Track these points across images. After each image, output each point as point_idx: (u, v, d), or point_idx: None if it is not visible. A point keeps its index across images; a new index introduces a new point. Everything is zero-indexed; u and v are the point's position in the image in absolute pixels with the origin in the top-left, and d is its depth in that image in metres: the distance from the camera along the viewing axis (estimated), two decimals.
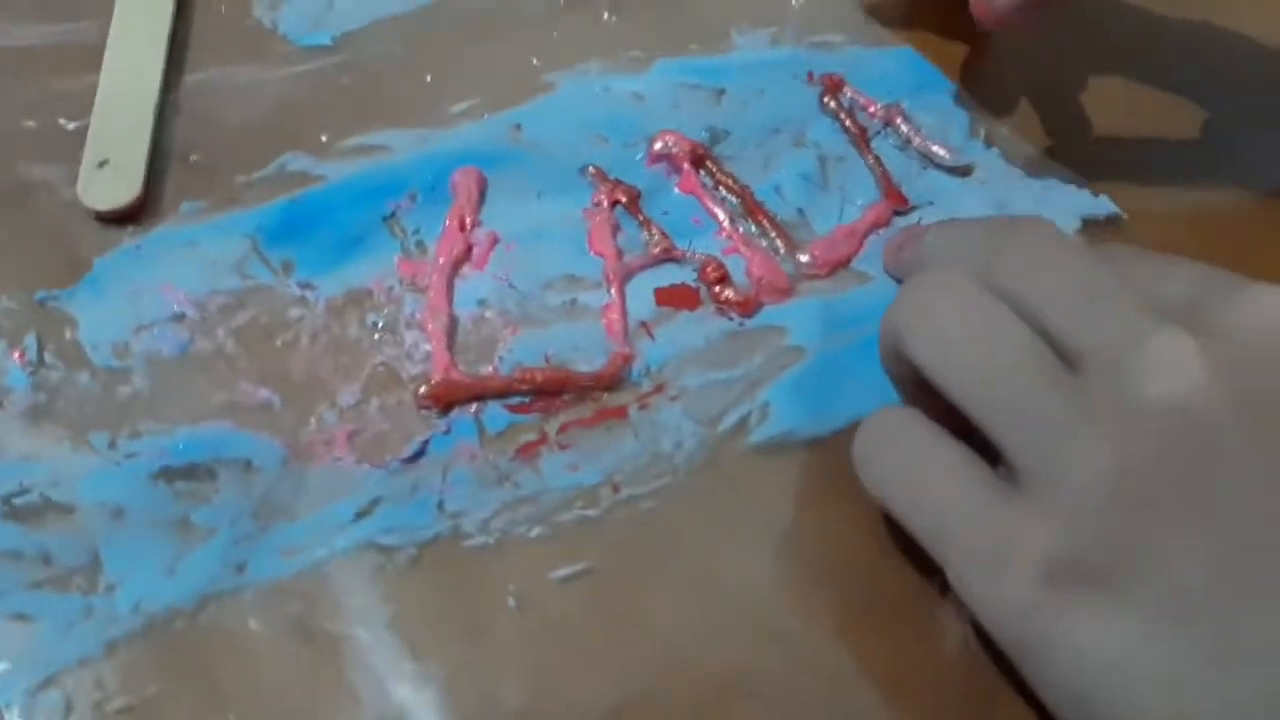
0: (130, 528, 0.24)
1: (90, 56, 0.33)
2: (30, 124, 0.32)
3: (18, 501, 0.24)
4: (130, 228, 0.30)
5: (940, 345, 0.23)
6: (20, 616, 0.23)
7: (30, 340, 0.27)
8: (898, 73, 0.38)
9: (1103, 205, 0.34)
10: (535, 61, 0.36)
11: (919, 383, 0.24)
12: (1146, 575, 0.20)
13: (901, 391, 0.27)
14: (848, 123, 0.36)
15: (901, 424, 0.25)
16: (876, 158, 0.35)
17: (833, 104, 0.36)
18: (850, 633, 0.25)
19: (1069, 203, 0.34)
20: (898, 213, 0.34)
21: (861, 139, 0.36)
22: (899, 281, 0.31)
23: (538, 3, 0.37)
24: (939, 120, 0.36)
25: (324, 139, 0.33)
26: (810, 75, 0.37)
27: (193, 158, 0.32)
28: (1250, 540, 0.20)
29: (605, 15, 0.38)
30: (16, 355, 0.27)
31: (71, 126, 0.31)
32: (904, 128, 0.36)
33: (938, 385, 0.23)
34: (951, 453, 0.24)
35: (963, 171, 0.35)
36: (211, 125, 0.32)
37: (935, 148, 0.35)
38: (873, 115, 0.36)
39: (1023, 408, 0.22)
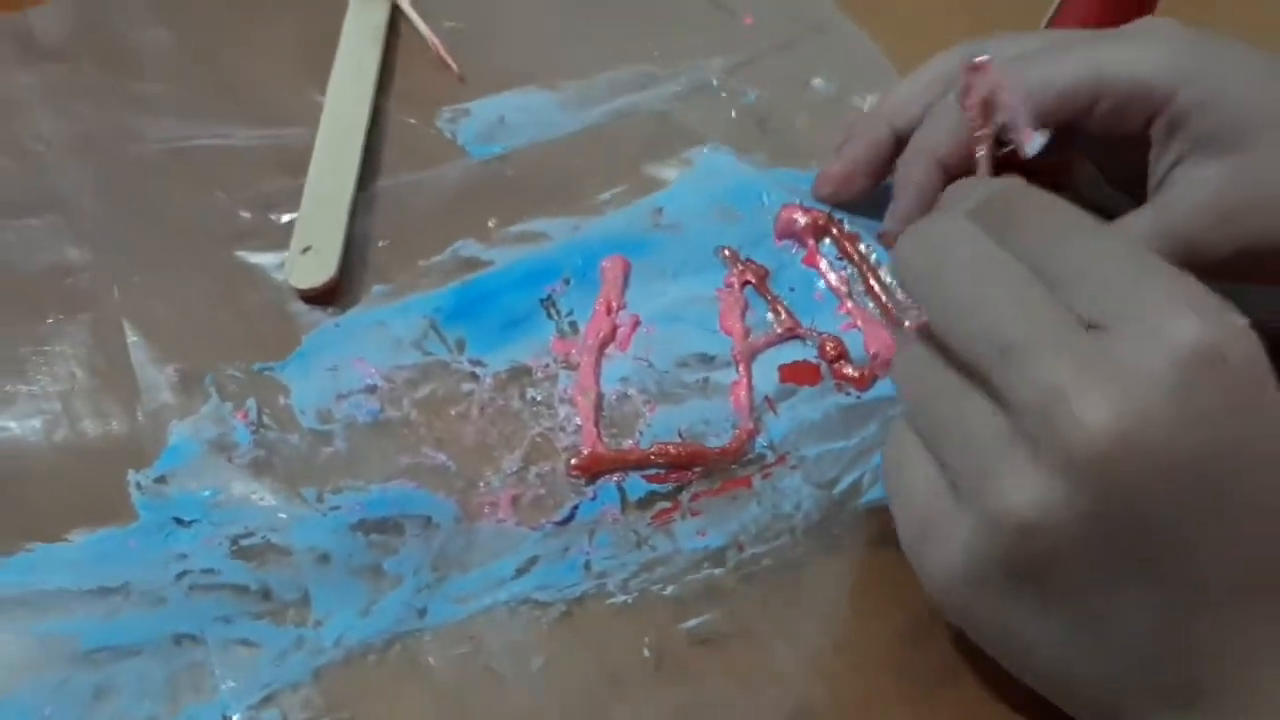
0: (334, 571, 0.29)
1: (296, 158, 0.38)
2: (246, 216, 0.37)
3: (245, 542, 0.29)
4: (330, 308, 0.35)
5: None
6: (245, 642, 0.28)
7: (251, 404, 0.32)
8: None
9: None
10: (675, 143, 0.40)
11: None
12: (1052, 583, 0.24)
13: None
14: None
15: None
16: None
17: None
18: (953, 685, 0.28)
19: None
20: None
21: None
22: None
23: (679, 102, 0.42)
24: None
25: (490, 225, 0.37)
26: None
27: (381, 244, 0.37)
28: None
29: (731, 113, 0.42)
30: (240, 415, 0.32)
31: (282, 220, 0.37)
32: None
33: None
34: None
35: None
36: (397, 216, 0.37)
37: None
38: None
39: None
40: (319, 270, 0.35)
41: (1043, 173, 0.39)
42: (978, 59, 0.31)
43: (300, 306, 0.35)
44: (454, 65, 0.42)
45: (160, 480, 0.30)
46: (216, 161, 0.38)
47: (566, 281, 0.36)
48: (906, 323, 0.35)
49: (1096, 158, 0.36)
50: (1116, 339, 0.23)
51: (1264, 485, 0.23)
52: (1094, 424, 0.22)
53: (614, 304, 0.36)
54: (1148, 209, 0.32)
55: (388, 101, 0.41)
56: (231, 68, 0.41)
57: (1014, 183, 0.28)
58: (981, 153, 0.32)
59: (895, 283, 0.28)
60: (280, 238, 0.36)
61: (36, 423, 0.32)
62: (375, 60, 0.42)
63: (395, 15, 0.44)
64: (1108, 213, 0.35)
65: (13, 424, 0.31)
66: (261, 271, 0.36)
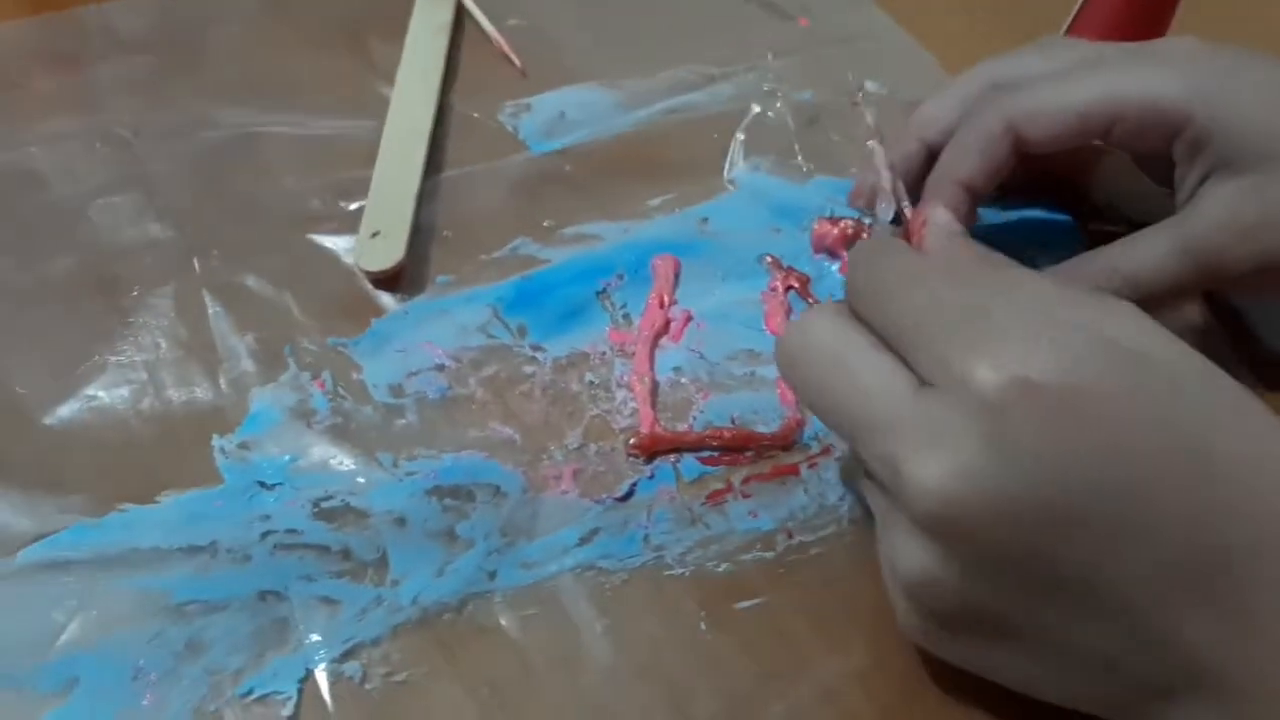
0: (410, 534, 0.30)
1: (364, 148, 0.40)
2: (316, 201, 0.39)
3: (325, 505, 0.31)
4: (398, 295, 0.36)
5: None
6: (326, 599, 0.29)
7: (327, 374, 0.34)
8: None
9: None
10: (722, 162, 0.42)
11: None
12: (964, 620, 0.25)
13: None
14: None
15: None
16: None
17: None
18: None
19: None
20: None
21: None
22: None
23: (734, 103, 0.44)
24: None
25: (547, 225, 0.39)
26: None
27: (445, 234, 0.38)
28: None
29: (786, 116, 0.44)
30: (318, 384, 0.33)
31: (351, 207, 0.38)
32: None
33: None
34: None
35: None
36: (460, 208, 0.39)
37: None
38: None
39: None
40: (387, 254, 0.37)
41: (1060, 173, 0.41)
42: (867, 85, 0.33)
43: (368, 289, 0.36)
44: (517, 60, 0.44)
45: (243, 445, 0.32)
46: (288, 149, 0.40)
47: (620, 277, 0.38)
48: None
49: (1139, 159, 0.38)
50: (937, 396, 0.24)
51: (1146, 484, 0.23)
52: (926, 487, 0.23)
53: (666, 299, 0.37)
54: (1169, 224, 0.34)
55: (451, 95, 0.43)
56: (302, 60, 0.43)
57: (862, 247, 0.29)
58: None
59: None
60: (349, 223, 0.38)
61: (124, 391, 0.33)
62: (441, 55, 0.44)
63: (460, 12, 0.46)
64: (1146, 211, 0.37)
65: (102, 392, 0.33)
66: (331, 254, 0.37)
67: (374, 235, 0.37)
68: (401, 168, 0.39)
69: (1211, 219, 0.33)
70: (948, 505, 0.23)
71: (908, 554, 0.24)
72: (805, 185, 0.42)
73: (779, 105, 0.44)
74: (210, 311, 0.35)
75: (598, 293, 0.37)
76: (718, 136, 0.43)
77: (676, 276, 0.38)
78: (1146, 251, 0.34)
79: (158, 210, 0.38)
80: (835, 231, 0.40)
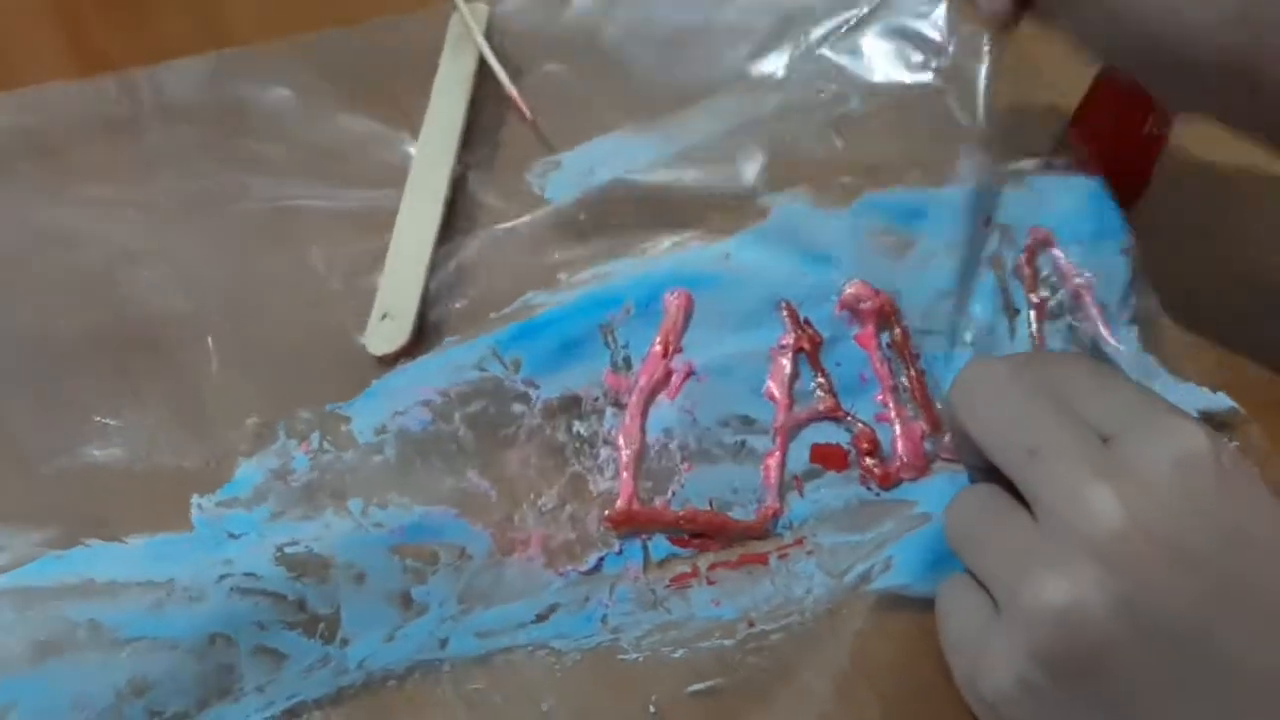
0: (368, 592, 0.30)
1: (387, 219, 0.38)
2: (336, 276, 0.37)
3: (289, 550, 0.30)
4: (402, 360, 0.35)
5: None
6: (274, 651, 0.29)
7: (315, 436, 0.33)
8: (1079, 212, 0.39)
9: (1220, 401, 0.36)
10: (753, 191, 0.40)
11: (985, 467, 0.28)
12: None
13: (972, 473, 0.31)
14: (1034, 298, 0.38)
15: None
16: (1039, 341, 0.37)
17: (1028, 271, 0.38)
18: None
19: (1189, 396, 0.36)
20: None
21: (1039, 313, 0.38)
22: None
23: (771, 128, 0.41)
24: (1102, 271, 0.38)
25: (561, 278, 0.38)
26: (988, 220, 0.39)
27: (458, 304, 0.37)
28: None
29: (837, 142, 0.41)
30: (304, 448, 0.33)
31: (366, 283, 0.37)
32: (1091, 308, 0.37)
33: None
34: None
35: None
36: (475, 273, 0.38)
37: (1104, 332, 0.36)
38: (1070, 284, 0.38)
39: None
40: (394, 338, 0.36)
41: None
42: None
43: (373, 362, 0.35)
44: (527, 112, 0.41)
45: (221, 504, 0.32)
46: (315, 222, 0.39)
47: (628, 310, 0.36)
48: (946, 438, 0.35)
49: None
50: (1125, 444, 0.26)
51: (1266, 574, 0.25)
52: (1108, 512, 0.24)
53: (671, 345, 0.36)
54: None
55: (473, 153, 0.41)
56: (340, 124, 0.41)
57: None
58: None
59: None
60: (365, 298, 0.37)
61: (118, 451, 0.33)
62: (460, 112, 0.41)
63: (485, 69, 0.42)
64: None
65: (97, 452, 0.33)
66: (344, 331, 0.36)
67: (383, 318, 0.36)
68: (415, 240, 0.38)
69: None
70: (1130, 529, 0.24)
71: (1058, 579, 0.24)
72: (845, 211, 0.39)
73: (820, 95, 0.41)
74: (216, 385, 0.35)
75: (601, 325, 0.36)
76: (751, 156, 0.40)
77: (687, 318, 0.37)
78: None
79: (180, 282, 0.37)
80: (872, 303, 0.37)
